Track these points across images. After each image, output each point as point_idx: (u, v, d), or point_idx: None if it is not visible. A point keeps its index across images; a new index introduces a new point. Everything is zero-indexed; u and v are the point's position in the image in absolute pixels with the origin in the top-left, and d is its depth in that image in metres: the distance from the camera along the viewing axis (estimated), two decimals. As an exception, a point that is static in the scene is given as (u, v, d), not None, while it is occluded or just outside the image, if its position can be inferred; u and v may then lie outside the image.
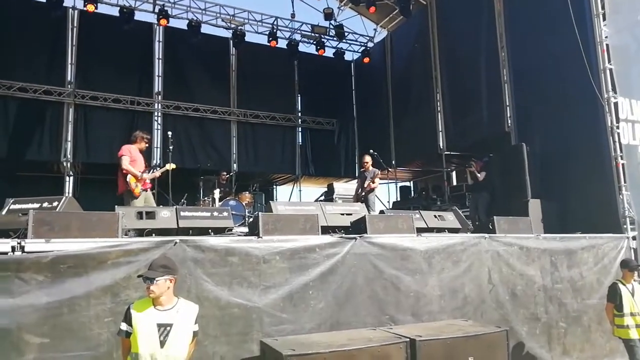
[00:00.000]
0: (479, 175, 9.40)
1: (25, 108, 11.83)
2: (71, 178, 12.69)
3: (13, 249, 3.66)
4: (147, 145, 7.09)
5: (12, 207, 4.60)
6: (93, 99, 12.57)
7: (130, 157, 6.61)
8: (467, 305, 5.47)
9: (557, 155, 8.45)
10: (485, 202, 9.14)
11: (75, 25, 12.67)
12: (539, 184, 8.32)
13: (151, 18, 13.26)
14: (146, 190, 6.73)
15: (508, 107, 10.20)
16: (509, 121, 10.15)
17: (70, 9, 12.58)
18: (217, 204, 9.74)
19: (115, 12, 12.59)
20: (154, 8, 13.03)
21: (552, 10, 8.62)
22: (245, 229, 6.12)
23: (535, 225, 6.95)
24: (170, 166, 7.20)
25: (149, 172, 6.91)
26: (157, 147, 13.30)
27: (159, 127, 13.55)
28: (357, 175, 15.67)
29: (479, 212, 9.09)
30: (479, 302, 5.56)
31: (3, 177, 12.07)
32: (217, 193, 9.98)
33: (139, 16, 12.94)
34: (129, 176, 6.51)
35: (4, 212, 4.57)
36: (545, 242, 6.22)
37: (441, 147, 12.31)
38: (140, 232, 4.71)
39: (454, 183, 13.49)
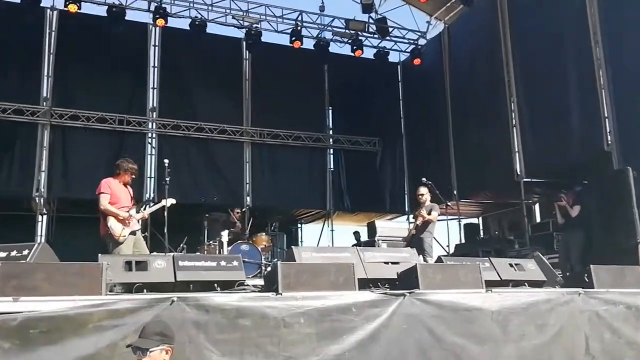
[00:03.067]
0: (571, 210, 9.19)
1: (-11, 131, 12.49)
2: (45, 217, 13.20)
3: (-26, 309, 3.83)
4: (133, 177, 7.18)
5: (-26, 256, 4.84)
6: (73, 119, 13.14)
7: (111, 194, 6.80)
8: (557, 385, 5.33)
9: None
10: (580, 246, 8.93)
11: (53, 29, 13.39)
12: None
13: (146, 18, 13.89)
14: (134, 234, 6.89)
15: (607, 120, 10.07)
16: (609, 137, 10.00)
17: (48, 10, 13.32)
18: (226, 249, 9.88)
19: (102, 12, 13.24)
20: (149, 6, 13.61)
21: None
22: (261, 282, 6.18)
23: (650, 276, 6.73)
24: (168, 202, 7.34)
25: (138, 210, 7.07)
26: (150, 177, 13.76)
27: (154, 151, 14.04)
28: (407, 212, 15.66)
29: (571, 259, 8.89)
30: (574, 381, 5.41)
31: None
32: (225, 235, 10.13)
33: (130, 16, 13.56)
34: (110, 218, 6.70)
35: (-36, 263, 4.80)
36: (663, 300, 6.02)
37: (518, 173, 12.19)
38: (128, 288, 4.84)
39: (537, 220, 13.24)
